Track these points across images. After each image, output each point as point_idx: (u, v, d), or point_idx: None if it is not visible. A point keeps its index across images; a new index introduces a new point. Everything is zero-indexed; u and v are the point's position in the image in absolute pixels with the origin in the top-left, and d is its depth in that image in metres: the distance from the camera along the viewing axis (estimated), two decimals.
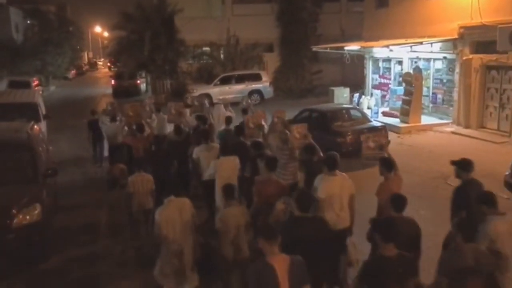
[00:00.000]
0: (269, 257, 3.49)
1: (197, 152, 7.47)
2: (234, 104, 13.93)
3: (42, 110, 12.99)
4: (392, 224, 3.88)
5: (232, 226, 5.05)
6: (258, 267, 3.51)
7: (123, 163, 7.94)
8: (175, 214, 5.05)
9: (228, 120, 9.37)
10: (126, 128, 9.79)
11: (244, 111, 10.61)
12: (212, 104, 12.78)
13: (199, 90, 22.33)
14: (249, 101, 12.70)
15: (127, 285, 6.23)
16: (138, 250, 6.81)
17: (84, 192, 9.84)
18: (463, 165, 5.31)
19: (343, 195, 5.31)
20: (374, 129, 11.87)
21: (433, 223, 6.57)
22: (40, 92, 20.19)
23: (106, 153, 11.21)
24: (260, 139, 8.31)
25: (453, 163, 5.44)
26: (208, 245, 5.40)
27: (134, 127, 9.33)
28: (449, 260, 3.86)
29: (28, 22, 40.05)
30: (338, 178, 5.37)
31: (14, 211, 6.44)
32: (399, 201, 4.47)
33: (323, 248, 4.30)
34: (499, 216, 4.26)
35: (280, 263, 3.46)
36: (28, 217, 6.50)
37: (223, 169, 6.53)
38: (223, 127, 9.41)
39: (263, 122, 9.60)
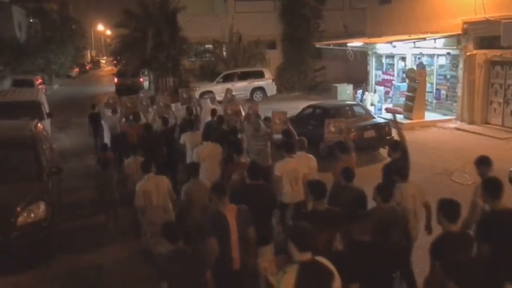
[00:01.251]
0: (221, 207, 4.48)
1: (183, 138, 8.62)
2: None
3: (46, 108, 13.03)
4: (320, 184, 4.77)
5: (197, 197, 5.84)
6: (213, 215, 4.52)
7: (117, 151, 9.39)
8: (152, 187, 6.05)
9: (214, 112, 10.31)
10: (123, 119, 10.61)
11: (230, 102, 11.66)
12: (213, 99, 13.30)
13: (202, 87, 22.33)
14: (233, 93, 13.73)
15: (122, 250, 7.11)
16: (132, 222, 7.44)
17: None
18: (393, 147, 6.51)
19: (297, 173, 6.24)
20: (377, 125, 11.86)
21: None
22: (44, 90, 20.21)
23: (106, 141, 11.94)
24: (236, 125, 9.39)
25: (388, 144, 6.88)
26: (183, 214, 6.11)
27: (131, 117, 10.27)
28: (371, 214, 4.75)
29: (31, 20, 40.12)
30: (294, 160, 6.38)
31: (18, 209, 6.46)
32: (348, 172, 5.43)
33: (266, 210, 5.22)
34: (405, 184, 5.34)
35: (229, 211, 4.45)
36: (32, 215, 6.52)
37: (204, 154, 7.31)
38: (209, 118, 10.26)
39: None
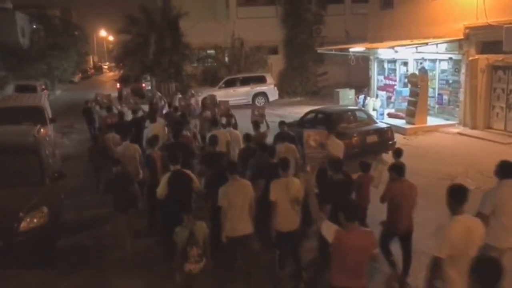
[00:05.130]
0: (152, 153, 7.66)
1: (147, 123, 11.52)
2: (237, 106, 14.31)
3: (48, 113, 13.06)
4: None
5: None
6: (147, 157, 7.74)
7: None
8: (127, 151, 8.48)
9: (174, 106, 13.86)
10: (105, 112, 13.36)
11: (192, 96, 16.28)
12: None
13: (204, 93, 22.31)
14: (193, 92, 17.52)
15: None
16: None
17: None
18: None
19: (221, 140, 8.53)
20: (380, 130, 11.85)
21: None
22: (47, 96, 20.25)
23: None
24: (184, 112, 12.57)
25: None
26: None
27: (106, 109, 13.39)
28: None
29: (34, 26, 40.35)
30: (222, 131, 9.37)
31: (21, 214, 6.45)
32: (248, 137, 8.26)
33: (185, 159, 7.09)
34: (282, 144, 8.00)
35: (157, 156, 7.59)
36: (35, 220, 6.52)
37: (152, 132, 9.41)
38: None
39: (191, 102, 14.83)
